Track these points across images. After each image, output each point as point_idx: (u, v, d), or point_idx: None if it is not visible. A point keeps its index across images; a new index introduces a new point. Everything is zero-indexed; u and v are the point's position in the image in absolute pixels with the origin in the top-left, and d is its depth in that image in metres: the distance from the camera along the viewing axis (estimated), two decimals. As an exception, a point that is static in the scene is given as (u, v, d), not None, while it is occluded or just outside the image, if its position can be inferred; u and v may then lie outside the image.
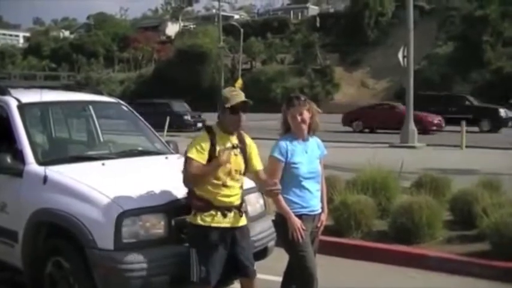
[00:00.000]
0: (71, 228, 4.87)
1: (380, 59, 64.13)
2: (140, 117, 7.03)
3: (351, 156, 16.24)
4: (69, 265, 4.99)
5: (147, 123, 7.00)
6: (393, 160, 12.83)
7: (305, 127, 5.13)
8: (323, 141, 5.43)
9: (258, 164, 5.11)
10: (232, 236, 4.87)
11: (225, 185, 4.82)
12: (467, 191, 9.00)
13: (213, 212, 4.79)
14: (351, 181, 9.75)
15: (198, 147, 4.77)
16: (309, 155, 5.18)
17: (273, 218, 5.40)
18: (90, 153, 6.34)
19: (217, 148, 4.79)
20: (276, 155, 5.05)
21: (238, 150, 4.93)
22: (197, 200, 4.79)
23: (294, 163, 5.05)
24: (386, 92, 61.72)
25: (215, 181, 4.79)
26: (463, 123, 24.04)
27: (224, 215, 4.84)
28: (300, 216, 5.08)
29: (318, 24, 76.66)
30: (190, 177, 4.78)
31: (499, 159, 19.38)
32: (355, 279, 7.09)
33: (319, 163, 5.28)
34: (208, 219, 4.78)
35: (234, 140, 4.95)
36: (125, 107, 7.01)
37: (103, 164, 5.65)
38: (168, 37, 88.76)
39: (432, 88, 47.64)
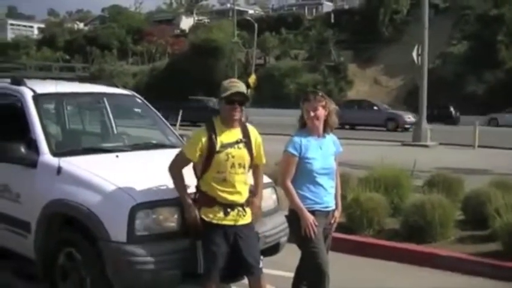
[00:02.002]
0: (84, 219, 4.87)
1: (394, 57, 63.84)
2: (155, 110, 7.04)
3: (363, 154, 16.23)
4: (81, 257, 4.98)
5: (161, 116, 7.00)
6: (405, 158, 12.80)
7: (319, 123, 5.12)
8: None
9: (260, 159, 5.07)
10: (234, 234, 4.80)
11: (226, 180, 4.75)
12: (480, 191, 8.95)
13: (216, 209, 4.74)
14: (363, 179, 9.72)
15: (196, 143, 4.73)
16: (323, 151, 5.16)
17: (286, 213, 5.41)
18: (104, 145, 6.33)
19: (218, 142, 4.73)
20: (290, 149, 5.05)
21: (243, 144, 4.86)
22: (202, 195, 4.77)
23: (308, 158, 5.04)
24: (399, 90, 61.58)
25: (216, 174, 4.74)
26: (476, 123, 23.94)
27: (226, 213, 4.77)
28: (313, 212, 5.08)
29: (332, 21, 76.54)
30: (172, 175, 4.84)
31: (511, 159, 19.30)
32: (367, 276, 7.06)
33: (334, 160, 5.26)
34: (210, 215, 4.74)
35: (239, 133, 4.87)
36: (139, 99, 7.02)
37: (117, 156, 5.65)
38: (182, 31, 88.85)
39: (445, 87, 47.54)
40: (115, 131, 7.01)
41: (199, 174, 4.81)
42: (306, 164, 5.05)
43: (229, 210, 4.78)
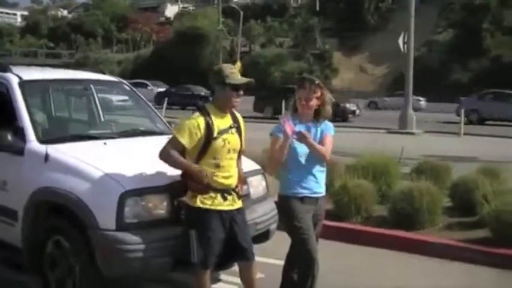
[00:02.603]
0: (73, 207, 4.80)
1: (379, 45, 64.02)
2: (142, 96, 6.97)
3: (349, 141, 16.19)
4: (69, 245, 4.92)
5: (149, 103, 6.93)
6: (392, 146, 12.83)
7: (309, 112, 5.08)
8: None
9: (243, 144, 5.07)
10: (230, 219, 4.80)
11: (221, 165, 4.74)
12: (467, 178, 8.97)
13: (212, 195, 4.71)
14: (351, 166, 9.70)
15: (193, 130, 4.66)
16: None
17: (276, 200, 5.39)
18: (92, 132, 6.23)
19: (215, 128, 4.71)
20: (275, 131, 5.03)
21: (235, 129, 4.87)
22: (197, 182, 4.69)
23: (292, 141, 4.97)
24: (384, 78, 61.79)
25: (212, 161, 4.72)
26: (462, 111, 24.04)
27: (224, 198, 4.77)
28: (301, 199, 5.06)
29: (317, 8, 76.50)
30: (165, 155, 4.74)
31: (496, 147, 19.41)
32: (356, 263, 7.06)
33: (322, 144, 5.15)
34: (208, 201, 4.70)
35: (230, 119, 4.88)
36: (127, 86, 6.94)
37: (105, 144, 5.57)
38: (167, 18, 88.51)
39: (431, 75, 47.70)
40: (102, 118, 6.93)
41: (193, 162, 4.74)
42: (291, 147, 4.99)
43: (226, 195, 4.78)
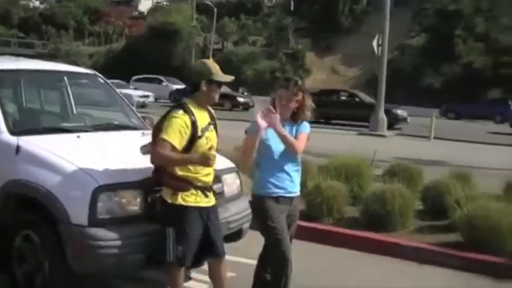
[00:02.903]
0: (44, 201, 4.69)
1: (352, 47, 64.37)
2: (117, 90, 6.86)
3: (321, 143, 16.18)
4: (39, 240, 4.81)
5: (123, 97, 6.82)
6: (363, 148, 12.89)
7: (286, 113, 5.02)
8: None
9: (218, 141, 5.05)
10: (207, 215, 4.77)
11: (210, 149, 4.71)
12: (439, 182, 9.01)
13: (194, 192, 4.66)
14: (323, 167, 9.69)
15: (182, 130, 4.58)
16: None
17: (250, 199, 5.33)
18: (65, 125, 6.08)
19: (199, 127, 4.65)
20: (249, 128, 4.97)
21: (212, 126, 4.83)
22: (177, 179, 4.63)
23: (267, 139, 4.95)
24: (357, 80, 62.03)
25: None
26: (433, 115, 24.22)
27: (205, 195, 4.73)
28: (276, 198, 5.00)
29: (292, 8, 76.51)
30: (163, 160, 4.63)
31: (466, 151, 19.60)
32: (328, 264, 7.06)
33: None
34: (190, 199, 4.64)
35: (208, 116, 4.84)
36: (101, 79, 6.81)
37: (78, 137, 5.44)
38: (141, 13, 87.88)
39: (403, 78, 48.07)
40: (75, 111, 6.79)
41: None
42: (265, 144, 4.96)
43: (206, 192, 4.74)
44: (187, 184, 4.63)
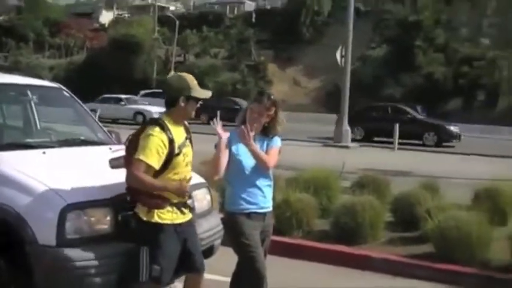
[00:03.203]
0: (9, 221, 4.48)
1: (313, 58, 64.59)
2: (83, 104, 6.66)
3: (286, 155, 16.10)
4: (4, 262, 4.59)
5: (89, 111, 6.63)
6: (328, 159, 12.85)
7: (257, 126, 4.92)
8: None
9: None
10: (183, 231, 4.62)
11: (180, 180, 4.53)
12: (409, 193, 9.01)
13: (169, 209, 4.51)
14: (292, 180, 9.61)
15: (160, 150, 4.40)
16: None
17: (222, 216, 5.23)
18: (29, 140, 5.88)
19: (176, 144, 4.50)
20: (217, 142, 4.85)
21: (188, 140, 4.69)
22: (153, 196, 4.46)
23: (237, 154, 4.87)
24: (318, 91, 62.27)
25: (172, 176, 4.51)
26: (397, 125, 24.36)
27: (181, 211, 4.59)
28: (248, 215, 4.91)
29: (253, 20, 76.74)
30: (139, 183, 4.44)
31: (430, 161, 19.78)
32: (297, 278, 6.95)
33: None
34: (166, 216, 4.49)
35: (183, 131, 4.69)
36: (66, 93, 6.62)
37: (44, 153, 5.23)
38: (102, 25, 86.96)
39: (365, 89, 48.39)
40: (39, 126, 6.56)
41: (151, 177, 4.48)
42: (236, 159, 4.87)
43: (182, 208, 4.60)
44: (163, 201, 4.48)
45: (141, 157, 4.37)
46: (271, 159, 4.97)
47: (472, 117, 42.38)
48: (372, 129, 28.60)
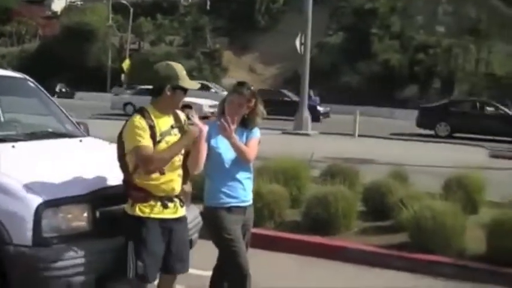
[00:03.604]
0: None
1: (269, 45, 64.60)
2: (49, 95, 6.37)
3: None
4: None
5: (56, 102, 6.34)
6: (292, 147, 12.73)
7: (236, 117, 4.75)
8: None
9: None
10: (170, 229, 4.41)
11: (163, 170, 4.31)
12: (380, 182, 8.95)
13: (152, 203, 4.29)
14: (260, 169, 9.43)
15: (141, 133, 4.19)
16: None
17: (201, 210, 5.06)
18: None
19: (157, 131, 4.29)
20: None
21: (177, 130, 4.43)
22: (135, 189, 4.27)
23: (217, 147, 4.71)
24: (274, 78, 62.30)
25: None
26: (357, 112, 24.43)
27: (165, 206, 4.36)
28: (229, 209, 4.77)
29: (208, 7, 76.27)
30: (159, 161, 4.24)
31: (392, 148, 19.86)
32: (272, 270, 6.80)
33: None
34: (147, 210, 4.28)
35: (171, 119, 4.45)
36: (31, 83, 6.31)
37: (13, 147, 4.94)
38: (54, 13, 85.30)
39: (322, 77, 48.54)
40: (2, 118, 6.26)
41: (132, 167, 4.28)
42: (215, 153, 4.71)
43: (167, 202, 4.37)
44: (146, 194, 4.28)
45: (137, 144, 4.19)
46: (252, 151, 4.83)
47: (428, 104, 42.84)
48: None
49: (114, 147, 5.50)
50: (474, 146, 23.47)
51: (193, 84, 4.46)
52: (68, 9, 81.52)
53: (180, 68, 4.38)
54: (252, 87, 4.84)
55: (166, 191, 4.36)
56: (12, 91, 6.29)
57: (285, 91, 38.52)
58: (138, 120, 4.24)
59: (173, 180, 4.41)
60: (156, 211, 4.32)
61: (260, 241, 7.61)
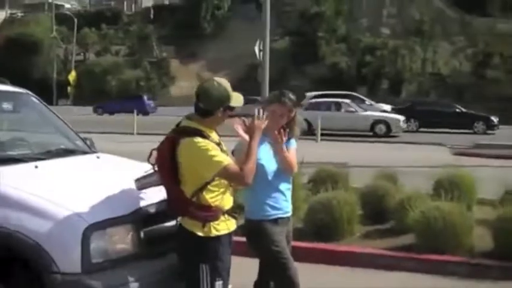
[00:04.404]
0: (21, 249, 3.88)
1: (215, 52, 64.63)
2: (53, 110, 6.04)
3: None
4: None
5: (62, 118, 6.01)
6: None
7: (277, 128, 4.59)
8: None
9: None
10: (231, 239, 4.27)
11: (227, 184, 4.15)
12: (376, 185, 8.91)
13: (223, 218, 4.09)
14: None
15: (216, 153, 3.99)
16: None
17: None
18: (10, 153, 5.07)
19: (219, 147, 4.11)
20: (235, 148, 4.56)
21: (222, 144, 4.25)
22: (201, 209, 4.00)
23: (260, 158, 4.48)
24: (223, 85, 62.17)
25: (223, 180, 4.08)
26: (319, 116, 24.46)
27: (234, 217, 4.22)
28: (275, 220, 4.64)
29: (152, 16, 75.78)
30: (249, 175, 4.07)
31: (357, 150, 19.94)
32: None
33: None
34: (220, 227, 4.08)
35: (217, 137, 4.24)
36: (34, 98, 5.97)
37: (36, 167, 4.60)
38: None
39: (271, 81, 48.64)
40: (8, 136, 5.85)
41: (198, 186, 4.01)
42: (258, 164, 4.45)
43: (235, 214, 4.23)
44: (216, 211, 4.07)
45: (220, 165, 3.97)
46: (295, 161, 4.71)
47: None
48: None
49: (133, 163, 5.31)
50: (434, 144, 23.85)
51: (241, 102, 4.21)
52: (9, 20, 79.56)
53: (229, 86, 4.15)
54: (293, 96, 4.68)
55: (229, 203, 4.20)
56: (14, 107, 5.93)
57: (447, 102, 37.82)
58: (204, 142, 4.00)
59: (230, 190, 4.24)
60: (229, 225, 4.16)
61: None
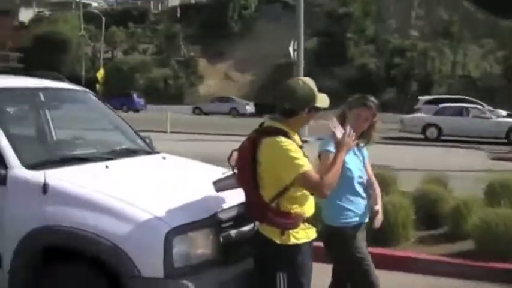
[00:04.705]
0: (100, 252, 3.76)
1: (243, 52, 64.54)
2: (112, 108, 5.93)
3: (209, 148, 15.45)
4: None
5: (121, 117, 5.90)
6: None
7: (359, 131, 4.49)
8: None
9: None
10: (311, 248, 4.08)
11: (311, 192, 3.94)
12: (429, 190, 8.76)
13: (303, 226, 3.90)
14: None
15: (298, 156, 3.78)
16: (358, 158, 4.62)
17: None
18: (79, 152, 4.97)
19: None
20: (324, 148, 4.33)
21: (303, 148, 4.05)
22: (281, 216, 3.82)
23: (347, 163, 4.35)
24: (250, 85, 62.10)
25: (300, 191, 3.88)
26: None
27: (314, 225, 4.02)
28: (356, 226, 4.53)
29: (178, 15, 75.94)
30: (328, 187, 3.82)
31: (389, 152, 19.62)
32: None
33: (364, 168, 4.69)
34: (300, 235, 3.88)
35: (298, 138, 4.06)
36: (93, 96, 5.87)
37: (107, 167, 4.48)
38: (21, 23, 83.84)
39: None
40: (73, 136, 5.74)
41: (278, 191, 3.82)
42: (345, 168, 4.33)
43: (314, 222, 4.03)
44: (296, 219, 3.86)
45: (300, 170, 3.73)
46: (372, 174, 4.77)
47: (406, 107, 42.97)
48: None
49: (199, 164, 5.18)
50: (467, 148, 23.51)
51: (327, 102, 4.03)
52: (37, 19, 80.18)
53: (314, 85, 3.95)
54: (376, 100, 4.56)
55: (311, 211, 4.01)
56: (75, 106, 5.83)
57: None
58: (287, 142, 3.81)
59: (312, 197, 4.04)
60: (309, 233, 3.96)
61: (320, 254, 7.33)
